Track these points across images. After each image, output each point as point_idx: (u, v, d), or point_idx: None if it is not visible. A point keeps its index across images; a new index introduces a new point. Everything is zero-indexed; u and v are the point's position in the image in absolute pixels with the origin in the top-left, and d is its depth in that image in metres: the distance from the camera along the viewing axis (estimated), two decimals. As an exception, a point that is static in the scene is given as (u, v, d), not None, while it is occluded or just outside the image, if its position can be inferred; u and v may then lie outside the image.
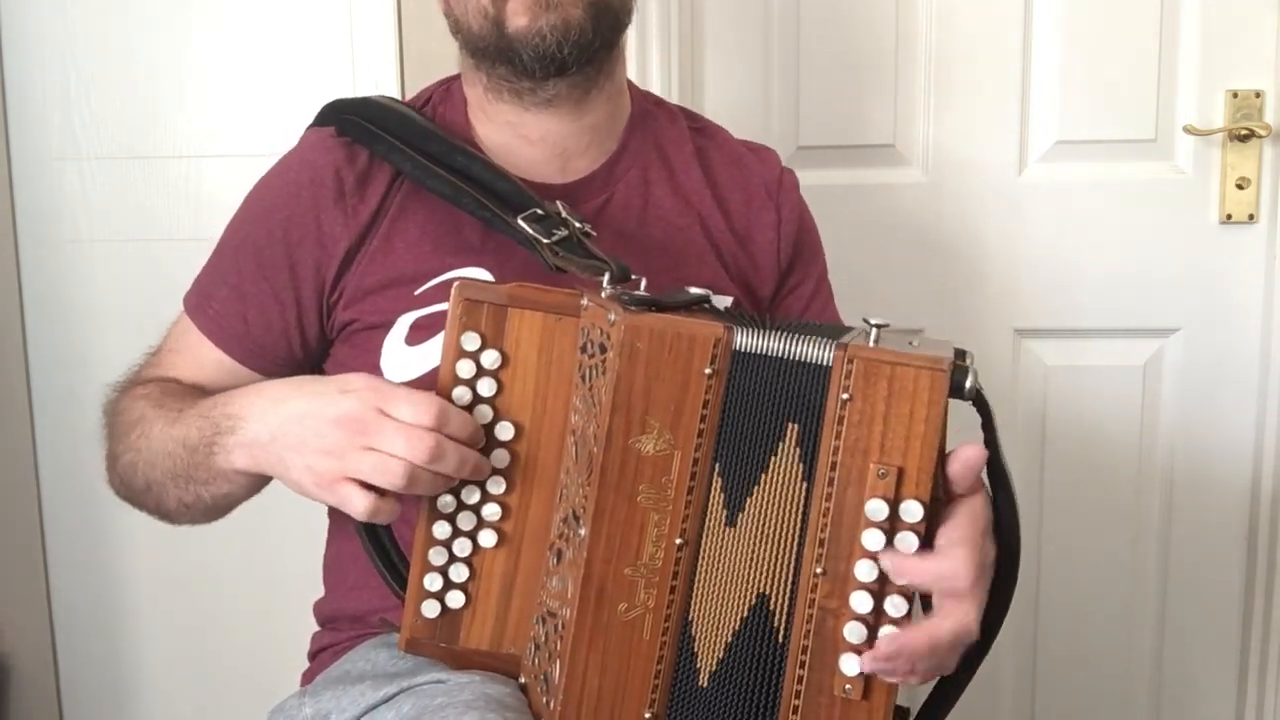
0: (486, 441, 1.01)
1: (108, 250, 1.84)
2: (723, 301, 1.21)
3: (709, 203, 1.26)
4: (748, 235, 1.28)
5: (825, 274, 1.35)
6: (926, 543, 0.93)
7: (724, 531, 0.96)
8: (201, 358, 1.21)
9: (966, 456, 0.93)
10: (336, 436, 0.97)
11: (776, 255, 1.29)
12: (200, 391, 1.17)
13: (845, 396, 0.91)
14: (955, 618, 0.91)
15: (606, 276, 1.01)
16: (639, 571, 0.96)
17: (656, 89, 1.78)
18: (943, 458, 0.93)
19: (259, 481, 1.11)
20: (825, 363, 0.92)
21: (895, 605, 0.93)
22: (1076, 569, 1.91)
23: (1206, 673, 1.93)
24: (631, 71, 1.77)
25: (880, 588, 0.93)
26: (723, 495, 0.96)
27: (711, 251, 1.25)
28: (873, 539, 0.92)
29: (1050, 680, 1.95)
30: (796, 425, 0.94)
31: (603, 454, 0.95)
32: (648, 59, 1.79)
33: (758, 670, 0.97)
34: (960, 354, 0.95)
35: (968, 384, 0.92)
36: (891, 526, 0.92)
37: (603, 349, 0.95)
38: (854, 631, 0.93)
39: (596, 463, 0.95)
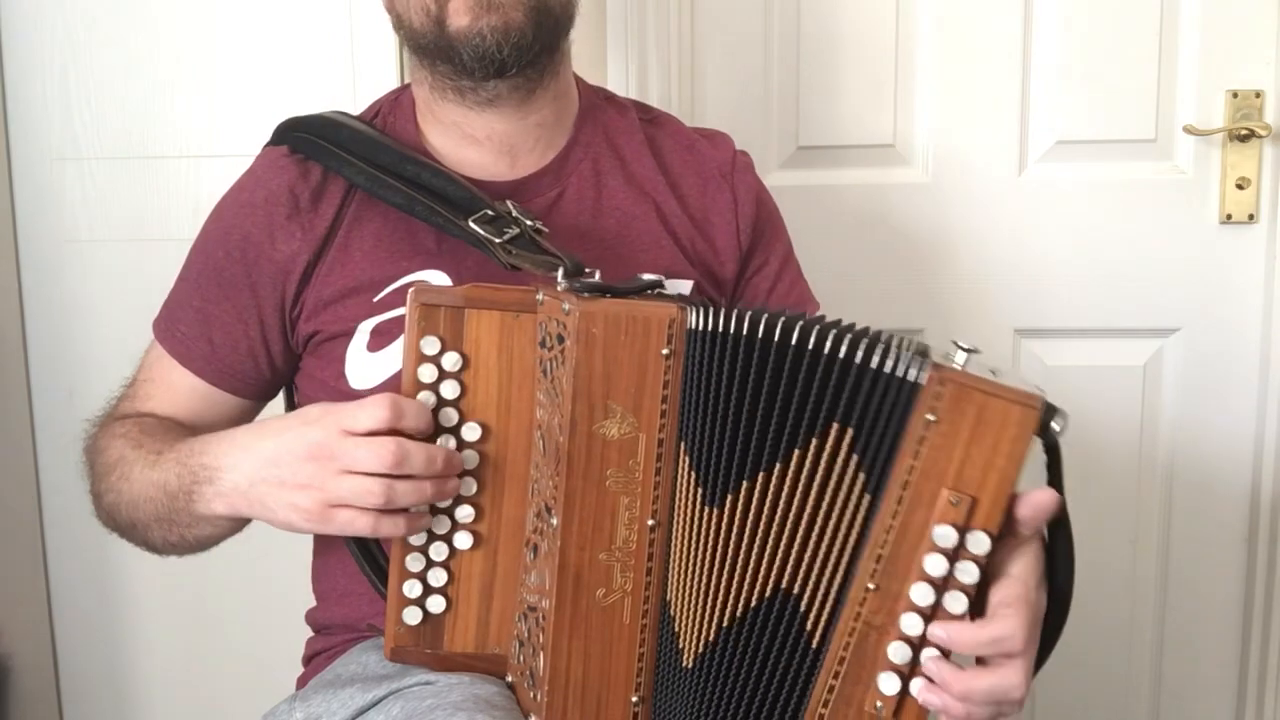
0: (454, 444, 1.01)
1: (108, 250, 1.84)
2: (681, 286, 1.21)
3: (663, 190, 1.27)
4: (705, 219, 1.28)
5: (790, 253, 1.35)
6: (983, 579, 0.92)
7: (702, 510, 0.96)
8: (174, 383, 1.22)
9: (1039, 501, 0.91)
10: (310, 469, 0.98)
11: (736, 236, 1.28)
12: (177, 427, 1.18)
13: (932, 418, 0.90)
14: (996, 675, 0.90)
15: (561, 271, 1.02)
16: (614, 556, 0.97)
17: (655, 91, 1.79)
18: (1013, 495, 0.92)
19: (242, 522, 1.11)
20: (915, 379, 0.91)
21: None
22: (1076, 569, 1.90)
23: (1206, 673, 1.92)
24: (630, 73, 1.78)
25: (932, 613, 0.92)
26: (693, 474, 0.96)
27: (669, 238, 1.25)
28: (935, 564, 0.91)
29: (1050, 680, 1.95)
30: (849, 429, 0.93)
31: (568, 442, 0.95)
32: (646, 59, 1.79)
33: (772, 664, 0.97)
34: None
35: (1055, 426, 0.90)
36: (955, 555, 0.91)
37: (560, 340, 0.96)
38: (898, 651, 0.92)
39: (563, 451, 0.96)
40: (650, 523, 0.96)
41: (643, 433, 0.95)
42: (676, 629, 0.98)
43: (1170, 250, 1.82)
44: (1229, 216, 1.79)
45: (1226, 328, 1.83)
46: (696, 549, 0.97)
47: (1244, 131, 1.75)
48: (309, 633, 1.30)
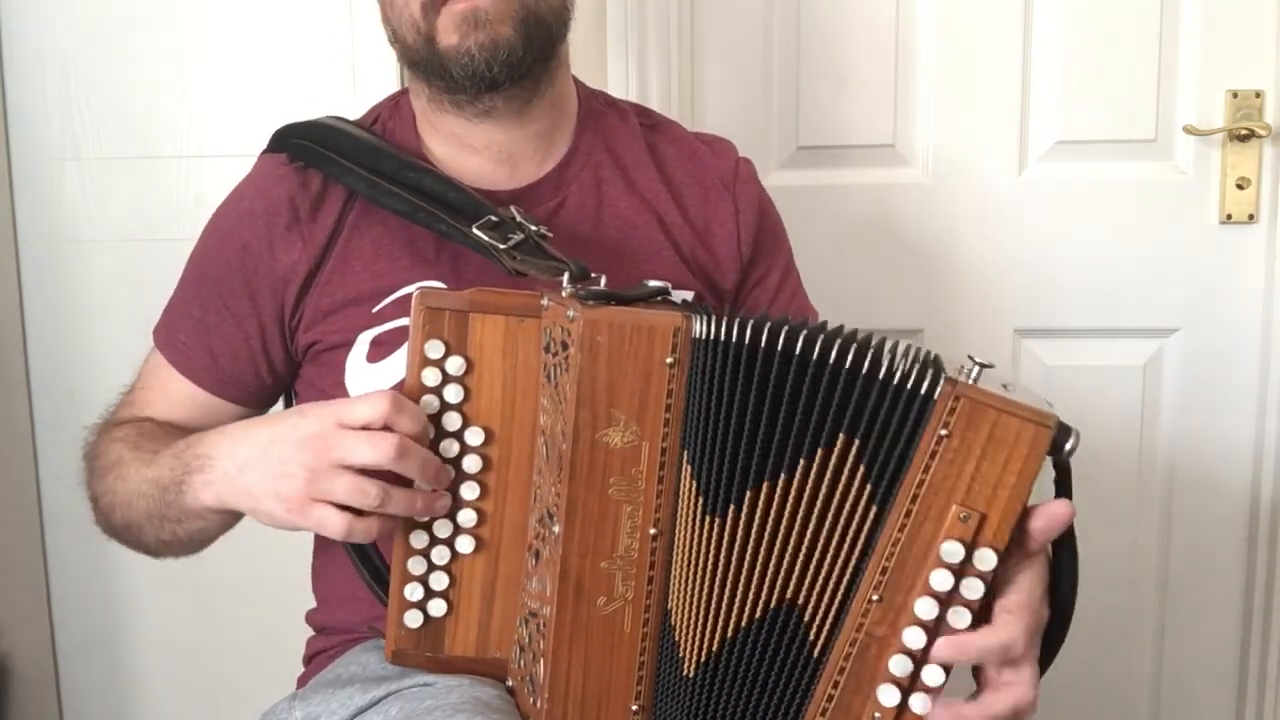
0: (458, 448, 1.01)
1: (108, 250, 1.84)
2: (682, 296, 1.20)
3: (665, 199, 1.26)
4: (706, 229, 1.27)
5: (791, 264, 1.34)
6: (988, 594, 0.92)
7: (703, 520, 0.96)
8: (174, 391, 1.21)
9: (1054, 513, 0.92)
10: (303, 458, 0.97)
11: (737, 247, 1.27)
12: (176, 431, 1.17)
13: (944, 433, 0.90)
14: (1013, 692, 0.91)
15: (566, 276, 1.02)
16: (615, 564, 0.97)
17: (655, 91, 1.78)
18: (1023, 512, 0.92)
19: (232, 517, 1.11)
20: (928, 394, 0.91)
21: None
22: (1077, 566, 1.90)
23: (1206, 672, 1.92)
24: (630, 72, 1.77)
25: (935, 627, 0.92)
26: (694, 483, 0.96)
27: (670, 248, 1.24)
28: (940, 579, 0.91)
29: (1050, 680, 1.93)
30: (856, 440, 0.93)
31: (571, 449, 0.95)
32: (646, 58, 1.79)
33: (775, 673, 0.97)
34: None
35: (1068, 446, 0.91)
36: (961, 570, 0.91)
37: (565, 346, 0.96)
38: (899, 664, 0.93)
39: (566, 459, 0.95)
40: (652, 532, 0.96)
41: (646, 441, 0.95)
42: (677, 638, 0.98)
43: (1170, 250, 1.82)
44: (1229, 216, 1.79)
45: (1226, 328, 1.83)
46: (698, 559, 0.97)
47: (1244, 131, 1.75)
48: (309, 632, 1.29)
